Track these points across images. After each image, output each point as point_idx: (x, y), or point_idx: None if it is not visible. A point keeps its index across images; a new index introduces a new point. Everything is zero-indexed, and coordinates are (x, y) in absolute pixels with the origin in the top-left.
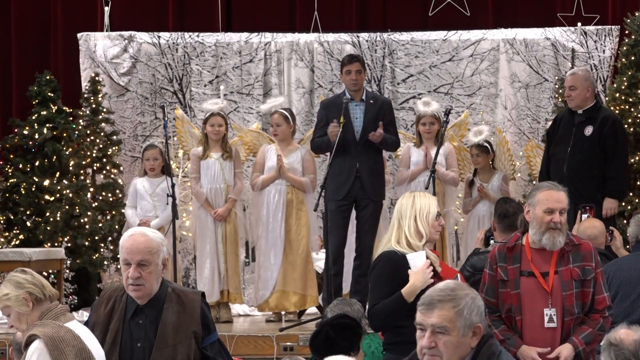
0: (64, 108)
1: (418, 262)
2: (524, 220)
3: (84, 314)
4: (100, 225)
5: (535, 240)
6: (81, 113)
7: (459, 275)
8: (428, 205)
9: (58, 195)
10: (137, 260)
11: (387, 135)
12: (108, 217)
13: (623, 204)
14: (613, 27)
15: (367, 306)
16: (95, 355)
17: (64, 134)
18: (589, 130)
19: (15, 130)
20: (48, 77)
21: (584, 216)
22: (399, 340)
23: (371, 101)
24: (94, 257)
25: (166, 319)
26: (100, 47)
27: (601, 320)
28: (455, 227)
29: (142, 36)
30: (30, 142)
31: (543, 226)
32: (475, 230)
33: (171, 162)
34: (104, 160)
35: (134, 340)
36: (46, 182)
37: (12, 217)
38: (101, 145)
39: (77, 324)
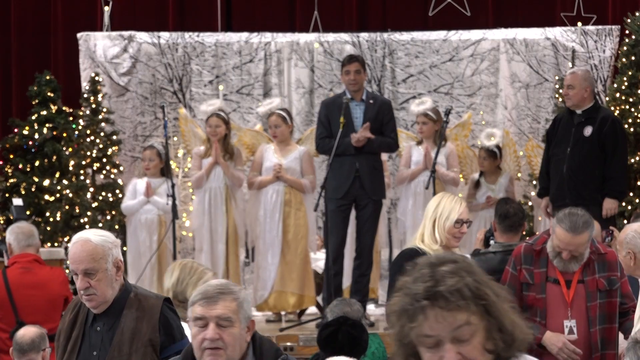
0: (64, 108)
1: None
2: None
3: None
4: (100, 225)
5: (550, 257)
6: (81, 113)
7: None
8: (449, 211)
9: (58, 195)
10: (82, 269)
11: (378, 138)
12: (108, 217)
13: (623, 204)
14: (613, 27)
15: (366, 306)
16: None
17: (64, 134)
18: (588, 131)
19: (15, 130)
20: (48, 77)
21: (607, 240)
22: None
23: (371, 101)
24: None
25: (124, 326)
26: (100, 47)
27: None
28: None
29: (142, 36)
30: (30, 142)
31: (554, 252)
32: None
33: (171, 162)
34: (104, 160)
35: (92, 347)
36: (46, 182)
37: (12, 217)
38: (101, 145)
39: None
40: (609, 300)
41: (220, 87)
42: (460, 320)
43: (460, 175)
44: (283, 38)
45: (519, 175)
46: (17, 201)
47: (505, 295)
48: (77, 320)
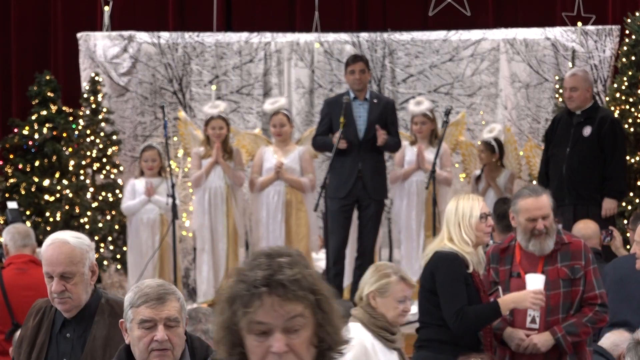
0: (64, 108)
1: (531, 285)
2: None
3: None
4: (100, 225)
5: (523, 245)
6: (81, 113)
7: None
8: (470, 209)
9: (58, 195)
10: (59, 272)
11: (391, 138)
12: (108, 217)
13: (623, 204)
14: (613, 27)
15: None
16: None
17: (64, 134)
18: (587, 131)
19: (15, 130)
20: (48, 77)
21: (606, 240)
22: (437, 339)
23: (375, 100)
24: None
25: (96, 333)
26: (100, 47)
27: (590, 313)
28: None
29: (142, 36)
30: (30, 142)
31: (528, 233)
32: None
33: (171, 162)
34: (104, 160)
35: (60, 355)
36: (46, 182)
37: (6, 221)
38: (101, 146)
39: None
40: (573, 289)
41: (213, 88)
42: (295, 311)
43: (464, 175)
44: (283, 38)
45: (520, 173)
46: (12, 204)
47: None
48: (42, 327)
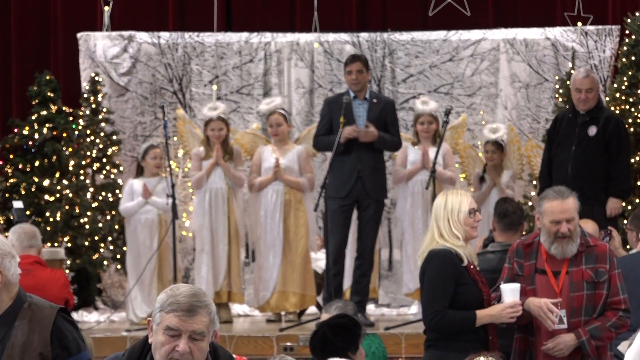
0: (64, 108)
1: (508, 297)
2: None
3: (84, 314)
4: (100, 225)
5: (546, 247)
6: (81, 113)
7: None
8: (459, 204)
9: (58, 195)
10: None
11: (386, 135)
12: (108, 217)
13: (623, 204)
14: (613, 27)
15: (366, 306)
16: None
17: (64, 134)
18: (592, 130)
19: (15, 130)
20: (48, 77)
21: (605, 240)
22: (443, 337)
23: (374, 100)
24: (94, 257)
25: (14, 339)
26: (100, 47)
27: (613, 318)
28: None
29: (142, 36)
30: (30, 142)
31: (551, 236)
32: (485, 229)
33: (171, 162)
34: (104, 160)
35: None
36: (46, 182)
37: (12, 217)
38: (101, 145)
39: None
40: (596, 292)
41: (214, 87)
42: None
43: (464, 175)
44: (283, 38)
45: (522, 173)
46: (18, 204)
47: None
48: None
